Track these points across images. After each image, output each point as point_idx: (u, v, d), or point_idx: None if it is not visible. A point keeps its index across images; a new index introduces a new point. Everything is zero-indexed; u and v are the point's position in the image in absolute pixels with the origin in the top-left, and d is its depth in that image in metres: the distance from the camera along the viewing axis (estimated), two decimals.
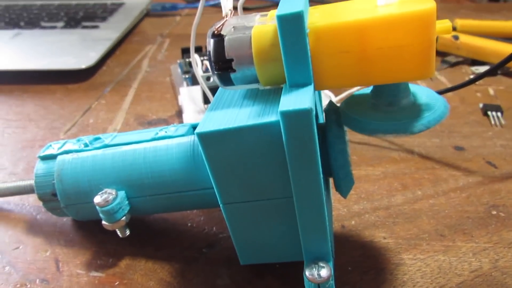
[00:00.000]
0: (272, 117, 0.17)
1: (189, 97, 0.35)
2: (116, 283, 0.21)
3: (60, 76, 0.43)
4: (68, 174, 0.22)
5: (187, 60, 0.41)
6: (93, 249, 0.23)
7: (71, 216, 0.23)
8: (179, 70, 0.42)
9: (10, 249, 0.23)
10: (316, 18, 0.17)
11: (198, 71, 0.31)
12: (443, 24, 0.17)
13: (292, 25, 0.16)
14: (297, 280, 0.20)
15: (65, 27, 0.54)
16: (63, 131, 0.35)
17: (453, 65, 0.43)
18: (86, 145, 0.23)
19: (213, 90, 0.32)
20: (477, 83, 0.40)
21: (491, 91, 0.38)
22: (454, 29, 0.48)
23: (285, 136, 0.16)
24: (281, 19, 0.16)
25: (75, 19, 0.57)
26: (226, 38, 0.18)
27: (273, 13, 0.19)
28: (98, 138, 0.23)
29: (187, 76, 0.40)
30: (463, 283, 0.20)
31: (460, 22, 0.48)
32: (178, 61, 0.43)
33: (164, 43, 0.53)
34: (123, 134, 0.23)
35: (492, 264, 0.21)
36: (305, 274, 0.18)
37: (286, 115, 0.15)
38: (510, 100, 0.36)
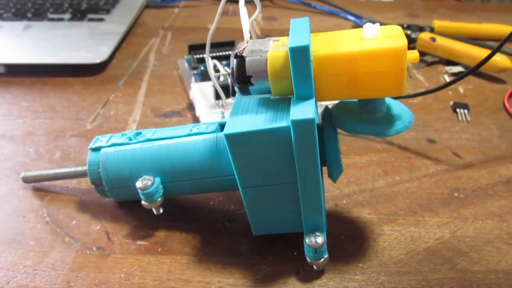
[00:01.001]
0: (283, 123, 0.22)
1: (200, 93, 0.40)
2: (159, 249, 0.26)
3: (76, 70, 0.47)
4: (111, 164, 0.27)
5: (195, 56, 0.45)
6: (135, 224, 0.28)
7: (112, 197, 0.28)
8: (186, 65, 0.47)
9: (66, 224, 0.28)
10: (317, 47, 0.23)
11: (211, 72, 0.35)
12: (412, 54, 0.23)
13: (300, 55, 0.21)
14: (300, 246, 0.26)
15: (72, 19, 0.57)
16: (88, 122, 0.39)
17: (429, 64, 0.49)
18: (130, 139, 0.27)
19: (223, 88, 0.37)
20: (447, 81, 0.46)
21: (461, 90, 0.44)
22: (432, 30, 0.54)
23: (294, 137, 0.21)
24: (293, 50, 0.21)
25: (80, 10, 0.60)
26: (247, 59, 0.23)
27: (284, 40, 0.24)
28: (140, 133, 0.28)
29: (195, 72, 0.44)
30: (429, 248, 0.26)
31: (438, 23, 0.54)
32: (186, 57, 0.47)
33: (167, 36, 0.57)
34: (161, 129, 0.28)
35: (452, 234, 0.27)
36: (305, 241, 0.24)
37: (295, 122, 0.21)
38: (476, 99, 0.42)
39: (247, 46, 0.24)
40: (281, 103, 0.24)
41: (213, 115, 0.37)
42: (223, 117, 0.37)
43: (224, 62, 0.43)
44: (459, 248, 0.26)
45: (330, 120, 0.25)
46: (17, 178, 0.32)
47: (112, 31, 0.54)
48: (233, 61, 0.23)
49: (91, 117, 0.40)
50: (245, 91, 0.24)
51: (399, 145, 0.36)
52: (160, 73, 0.48)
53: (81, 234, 0.28)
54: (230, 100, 0.38)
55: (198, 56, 0.45)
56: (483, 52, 0.46)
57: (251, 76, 0.23)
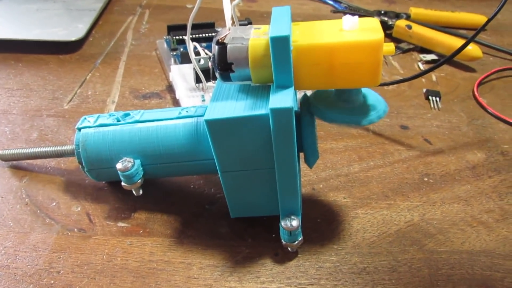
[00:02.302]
0: (262, 110, 0.23)
1: (180, 75, 0.40)
2: (141, 231, 0.27)
3: (50, 47, 0.46)
4: (91, 145, 0.27)
5: (175, 37, 0.45)
6: (116, 206, 0.29)
7: (91, 177, 0.29)
8: (165, 46, 0.46)
9: (46, 205, 0.28)
10: (297, 37, 0.23)
11: (192, 56, 0.35)
12: (388, 47, 0.24)
13: (281, 44, 0.22)
14: (279, 229, 0.27)
15: None
16: (65, 101, 0.39)
17: (405, 51, 0.50)
18: (118, 119, 0.27)
19: (204, 71, 0.37)
20: (422, 69, 0.47)
21: (434, 78, 0.45)
22: (409, 17, 0.55)
23: (272, 125, 0.22)
24: (274, 40, 0.22)
25: None
26: (228, 46, 0.23)
27: (265, 29, 0.24)
28: (128, 114, 0.28)
29: (174, 53, 0.44)
30: (399, 230, 0.28)
31: (414, 11, 0.55)
32: (165, 38, 0.47)
33: (144, 15, 0.56)
34: (149, 111, 0.28)
35: (421, 217, 0.29)
36: (281, 224, 0.25)
37: (274, 110, 0.22)
38: (448, 86, 0.44)
39: (229, 33, 0.24)
40: (261, 90, 0.25)
41: (193, 98, 0.37)
42: (203, 100, 0.37)
43: (204, 44, 0.43)
44: (427, 230, 0.28)
45: (308, 108, 0.26)
46: None
47: (88, 7, 0.53)
48: (215, 48, 0.24)
49: (68, 97, 0.39)
50: (226, 78, 0.24)
51: (374, 131, 0.37)
52: (138, 53, 0.47)
53: (61, 215, 0.28)
54: (210, 83, 0.38)
55: (177, 37, 0.45)
56: (456, 41, 0.47)
57: (232, 63, 0.24)
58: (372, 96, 0.26)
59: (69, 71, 0.43)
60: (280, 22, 0.23)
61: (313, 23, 0.24)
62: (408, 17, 0.55)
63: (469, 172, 0.33)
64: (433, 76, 0.46)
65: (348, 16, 0.23)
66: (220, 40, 0.23)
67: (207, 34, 0.45)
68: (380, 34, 0.22)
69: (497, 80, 0.45)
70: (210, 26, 0.47)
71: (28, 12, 0.50)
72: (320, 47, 0.22)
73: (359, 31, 0.23)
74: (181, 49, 0.44)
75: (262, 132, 0.23)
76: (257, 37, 0.23)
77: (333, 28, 0.23)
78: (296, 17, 0.56)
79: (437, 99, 0.41)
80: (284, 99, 0.22)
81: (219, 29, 0.47)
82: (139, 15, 0.56)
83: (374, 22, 0.23)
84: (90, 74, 0.43)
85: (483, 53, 0.46)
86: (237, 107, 0.23)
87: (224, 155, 0.24)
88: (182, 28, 0.46)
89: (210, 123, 0.23)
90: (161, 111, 0.28)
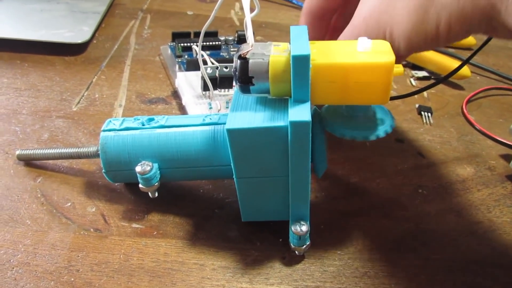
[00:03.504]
0: (281, 122, 0.25)
1: (186, 82, 0.41)
2: (155, 233, 0.28)
3: (55, 48, 0.47)
4: (110, 148, 0.28)
5: (180, 45, 0.46)
6: (129, 207, 0.30)
7: (108, 179, 0.30)
8: (170, 52, 0.48)
9: (61, 205, 0.29)
10: (315, 55, 0.25)
11: (202, 65, 0.37)
12: (398, 69, 0.26)
13: (302, 63, 0.24)
14: (284, 234, 0.28)
15: None
16: (73, 103, 0.40)
17: None
18: (142, 124, 0.29)
19: (211, 79, 0.39)
20: (414, 85, 0.50)
21: (425, 94, 0.48)
22: None
23: (290, 136, 0.24)
24: (295, 58, 0.23)
25: None
26: (250, 61, 0.25)
27: (284, 46, 0.26)
28: (152, 119, 0.29)
29: (180, 60, 0.45)
30: (397, 238, 0.30)
31: None
32: (170, 44, 0.48)
33: (146, 19, 0.57)
34: (174, 117, 0.29)
35: (416, 226, 0.31)
36: (291, 229, 0.27)
37: (293, 123, 0.23)
38: (439, 103, 0.46)
39: (251, 49, 0.26)
40: (278, 103, 0.27)
41: (200, 105, 0.39)
42: (211, 108, 0.38)
43: (208, 52, 0.45)
44: (422, 238, 0.30)
45: (319, 121, 0.28)
46: (6, 157, 0.33)
47: (92, 10, 0.54)
48: (237, 62, 0.25)
49: (76, 99, 0.40)
50: (245, 90, 0.26)
51: (372, 144, 0.39)
52: (142, 58, 0.48)
53: (77, 215, 0.29)
54: (216, 92, 0.40)
55: (183, 44, 0.46)
56: (446, 59, 0.50)
57: (252, 77, 0.25)
58: (381, 110, 0.28)
59: (75, 73, 0.44)
60: (300, 41, 0.25)
61: (328, 43, 0.26)
62: None
63: (459, 185, 0.35)
64: (425, 93, 0.48)
65: (363, 39, 0.25)
66: (242, 55, 0.25)
67: (211, 43, 0.47)
68: (391, 56, 0.24)
69: (484, 98, 0.48)
70: (214, 35, 0.49)
71: (33, 13, 0.51)
72: (336, 67, 0.24)
73: (372, 53, 0.25)
74: (186, 56, 0.45)
75: (280, 142, 0.25)
76: (277, 54, 0.25)
77: (347, 49, 0.25)
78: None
79: (429, 114, 0.44)
80: (302, 112, 0.24)
81: (222, 38, 0.49)
82: (141, 19, 0.57)
83: (385, 45, 0.25)
84: (96, 77, 0.44)
85: (471, 72, 0.49)
86: (256, 118, 0.25)
87: (242, 162, 0.26)
88: (186, 36, 0.48)
89: (231, 132, 0.24)
90: (185, 117, 0.29)
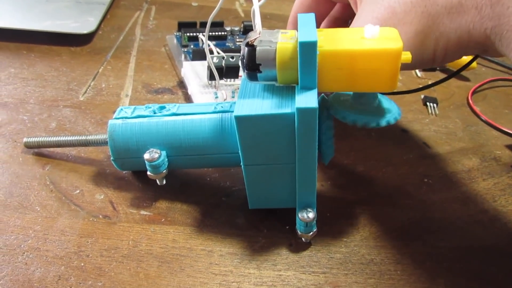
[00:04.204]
0: (288, 109, 0.25)
1: (192, 71, 0.42)
2: (163, 220, 0.29)
3: (61, 38, 0.47)
4: (118, 135, 0.29)
5: (186, 34, 0.46)
6: (137, 195, 0.30)
7: (116, 166, 0.30)
8: (175, 42, 0.48)
9: (70, 192, 0.30)
10: (322, 42, 0.25)
11: (208, 55, 0.37)
12: (406, 56, 0.26)
13: (309, 49, 0.24)
14: (291, 221, 0.29)
15: None
16: (80, 93, 0.40)
17: None
18: (154, 112, 0.29)
19: (217, 69, 0.39)
20: (419, 76, 0.50)
21: None
22: None
23: (297, 123, 0.24)
24: (302, 44, 0.23)
25: None
26: (257, 48, 0.25)
27: (292, 33, 0.26)
28: (164, 107, 0.29)
29: (185, 49, 0.45)
30: (402, 226, 0.30)
31: None
32: (175, 33, 0.48)
33: (151, 11, 0.57)
34: (185, 105, 0.29)
35: (422, 215, 0.31)
36: (298, 216, 0.27)
37: (300, 110, 0.24)
38: (444, 93, 0.46)
39: (259, 36, 0.26)
40: (285, 90, 0.27)
41: (206, 94, 0.39)
42: (217, 97, 0.38)
43: (214, 43, 0.45)
44: (428, 227, 0.30)
45: (327, 109, 0.28)
46: (15, 146, 0.33)
47: (97, 0, 0.54)
48: (244, 49, 0.25)
49: (83, 89, 0.40)
50: (253, 77, 0.26)
51: (377, 134, 0.39)
52: (148, 49, 0.48)
53: (86, 202, 0.29)
54: (222, 81, 0.40)
55: (189, 34, 0.46)
56: None
57: (260, 64, 0.25)
58: (386, 100, 0.28)
59: (82, 63, 0.44)
60: (307, 28, 0.25)
61: (336, 30, 0.26)
62: None
63: (465, 175, 0.35)
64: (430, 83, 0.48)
65: (370, 25, 0.25)
66: (250, 42, 0.25)
67: (216, 33, 0.47)
68: (399, 43, 0.24)
69: (489, 89, 0.48)
70: (220, 25, 0.49)
71: (39, 3, 0.51)
72: (344, 53, 0.24)
73: (380, 39, 0.25)
74: (192, 46, 0.45)
75: (287, 129, 0.25)
76: (285, 41, 0.25)
77: (355, 36, 0.25)
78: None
79: (435, 105, 0.44)
80: (310, 99, 0.24)
81: (228, 28, 0.49)
82: (146, 10, 0.57)
83: (393, 32, 0.25)
84: (102, 67, 0.44)
85: (476, 63, 0.49)
86: (264, 105, 0.25)
87: (249, 150, 0.26)
88: (192, 25, 0.48)
89: (239, 119, 0.25)
90: (196, 105, 0.29)
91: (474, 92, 0.47)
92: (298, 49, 0.24)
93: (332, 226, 0.30)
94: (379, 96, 0.28)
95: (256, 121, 0.25)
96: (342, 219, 0.30)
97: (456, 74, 0.35)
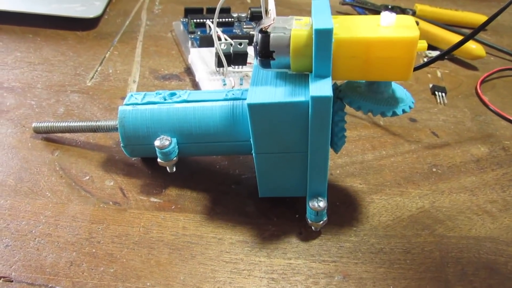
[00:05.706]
0: (302, 97, 0.25)
1: (200, 58, 0.41)
2: (173, 207, 0.29)
3: (67, 22, 0.46)
4: (129, 122, 0.29)
5: (193, 20, 0.46)
6: (147, 182, 0.30)
7: (126, 153, 0.30)
8: (182, 28, 0.47)
9: (80, 178, 0.30)
10: (337, 30, 0.25)
11: (217, 42, 0.36)
12: (422, 44, 0.25)
13: (324, 36, 0.23)
14: (301, 209, 0.29)
15: None
16: (87, 78, 0.39)
17: None
18: (164, 98, 0.29)
19: (225, 56, 0.38)
20: (429, 66, 0.49)
21: (439, 74, 0.48)
22: (414, 13, 0.57)
23: (311, 111, 0.24)
24: (318, 32, 0.23)
25: None
26: (271, 35, 0.25)
27: (306, 20, 0.26)
28: (174, 94, 0.29)
29: (192, 36, 0.45)
30: (412, 215, 0.30)
31: (419, 7, 0.57)
32: (182, 20, 0.48)
33: None
34: (196, 92, 0.29)
35: (431, 204, 0.31)
36: (309, 205, 0.27)
37: (315, 98, 0.23)
38: (452, 83, 0.46)
39: (273, 23, 0.25)
40: (298, 78, 0.26)
41: (213, 81, 0.39)
42: (225, 84, 0.38)
43: (221, 29, 0.44)
44: (437, 216, 0.30)
45: (340, 99, 0.27)
46: (23, 131, 0.33)
47: None
48: (258, 36, 0.25)
49: (90, 74, 0.40)
50: (265, 65, 0.26)
51: (385, 123, 0.39)
52: (154, 34, 0.48)
53: (96, 189, 0.29)
54: (230, 68, 0.39)
55: (196, 20, 0.46)
56: (459, 39, 0.49)
57: (273, 51, 0.25)
58: (399, 89, 0.28)
59: (88, 48, 0.44)
60: (322, 15, 0.24)
61: (351, 17, 0.26)
62: (413, 14, 0.56)
63: (473, 165, 0.35)
64: (438, 72, 0.48)
65: (386, 13, 0.25)
66: (263, 29, 0.25)
67: (224, 19, 0.46)
68: (416, 31, 0.24)
69: (498, 79, 0.48)
70: (227, 11, 0.48)
71: None
72: (359, 41, 0.24)
73: (396, 27, 0.24)
74: (199, 33, 0.45)
75: (300, 117, 0.25)
76: (299, 28, 0.25)
77: (371, 23, 0.25)
78: (306, 7, 0.57)
79: (443, 94, 0.44)
80: (324, 88, 0.24)
81: (235, 14, 0.48)
82: None
83: (410, 20, 0.25)
84: (109, 52, 0.44)
85: (485, 52, 0.49)
86: (277, 92, 0.25)
87: (261, 138, 0.26)
88: (199, 11, 0.47)
89: (252, 107, 0.24)
90: (207, 92, 0.29)
91: (482, 82, 0.47)
92: (313, 36, 0.23)
93: (341, 215, 0.30)
94: (393, 85, 0.28)
95: (269, 109, 0.25)
96: (351, 208, 0.30)
97: (451, 51, 0.34)
